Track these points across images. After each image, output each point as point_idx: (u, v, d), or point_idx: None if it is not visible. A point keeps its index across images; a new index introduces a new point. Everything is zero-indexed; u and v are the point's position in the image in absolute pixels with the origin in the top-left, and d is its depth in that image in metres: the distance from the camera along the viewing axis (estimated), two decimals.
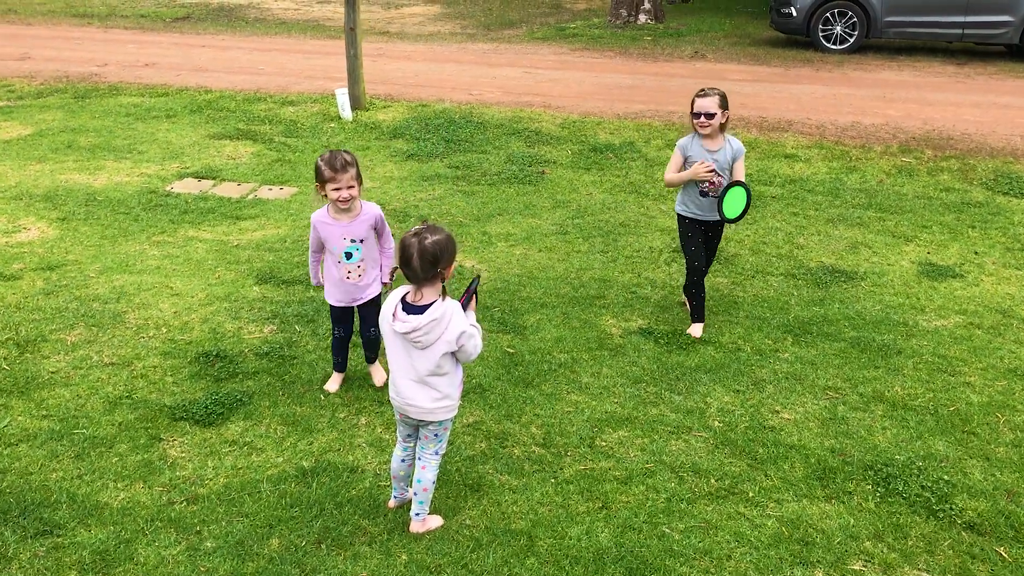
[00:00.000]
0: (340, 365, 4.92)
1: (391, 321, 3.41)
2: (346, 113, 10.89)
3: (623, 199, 8.41)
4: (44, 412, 4.43)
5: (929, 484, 4.12)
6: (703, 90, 5.46)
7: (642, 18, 18.70)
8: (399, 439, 3.73)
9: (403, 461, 3.74)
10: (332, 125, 10.74)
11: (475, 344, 3.45)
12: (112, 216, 7.61)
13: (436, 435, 3.63)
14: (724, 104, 5.42)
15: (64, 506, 3.70)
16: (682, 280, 6.44)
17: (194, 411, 4.50)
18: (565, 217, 7.85)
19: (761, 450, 4.40)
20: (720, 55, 15.50)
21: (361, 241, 4.55)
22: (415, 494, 3.64)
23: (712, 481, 4.14)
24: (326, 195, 4.39)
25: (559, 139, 10.31)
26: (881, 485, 4.12)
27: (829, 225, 7.74)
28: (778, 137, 10.30)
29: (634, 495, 4.00)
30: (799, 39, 16.28)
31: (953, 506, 3.98)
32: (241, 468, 4.06)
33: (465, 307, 3.52)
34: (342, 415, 4.58)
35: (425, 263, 3.32)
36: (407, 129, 10.56)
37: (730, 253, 7.07)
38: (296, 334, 5.49)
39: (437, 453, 3.66)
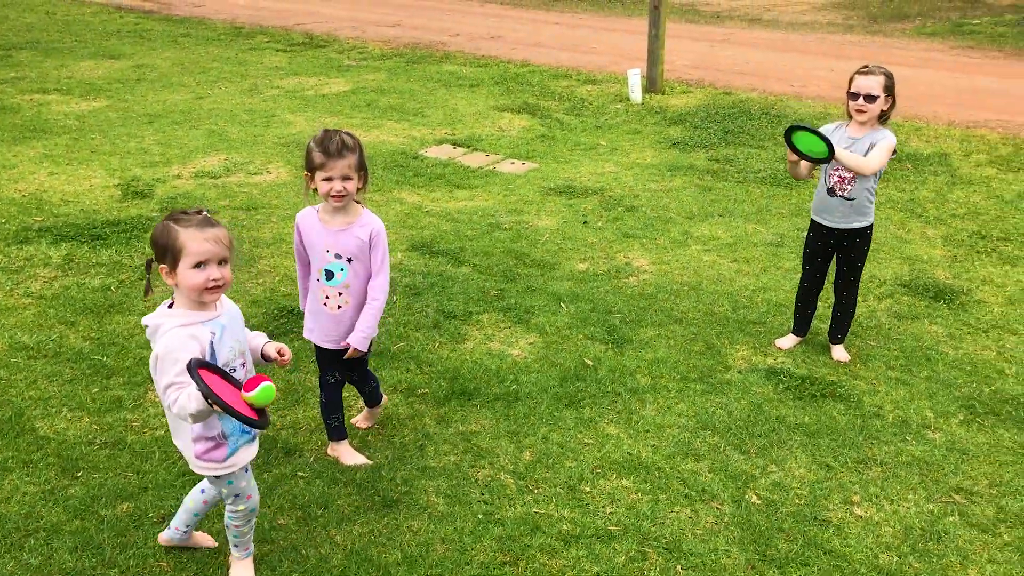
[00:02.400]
0: (339, 431, 3.72)
1: None
2: (635, 95, 10.37)
3: (886, 216, 7.01)
4: (95, 335, 4.65)
5: None
6: (867, 66, 4.39)
7: None
8: None
9: (202, 491, 3.09)
10: (618, 106, 10.29)
11: (176, 403, 2.54)
12: None
13: (223, 493, 2.92)
14: (890, 88, 4.33)
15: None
16: (882, 319, 5.23)
17: None
18: (795, 228, 6.73)
19: (783, 546, 3.33)
20: None
21: (349, 260, 3.41)
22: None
23: (677, 568, 3.21)
24: (316, 188, 3.33)
25: None
26: None
27: None
28: None
29: (561, 559, 3.22)
30: None
31: None
32: None
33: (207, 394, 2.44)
34: (344, 393, 4.25)
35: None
36: (692, 117, 9.79)
37: (975, 298, 5.56)
38: (390, 304, 5.24)
39: (228, 506, 2.93)
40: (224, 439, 2.78)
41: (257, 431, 2.85)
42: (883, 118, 4.45)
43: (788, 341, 4.95)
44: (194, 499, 3.07)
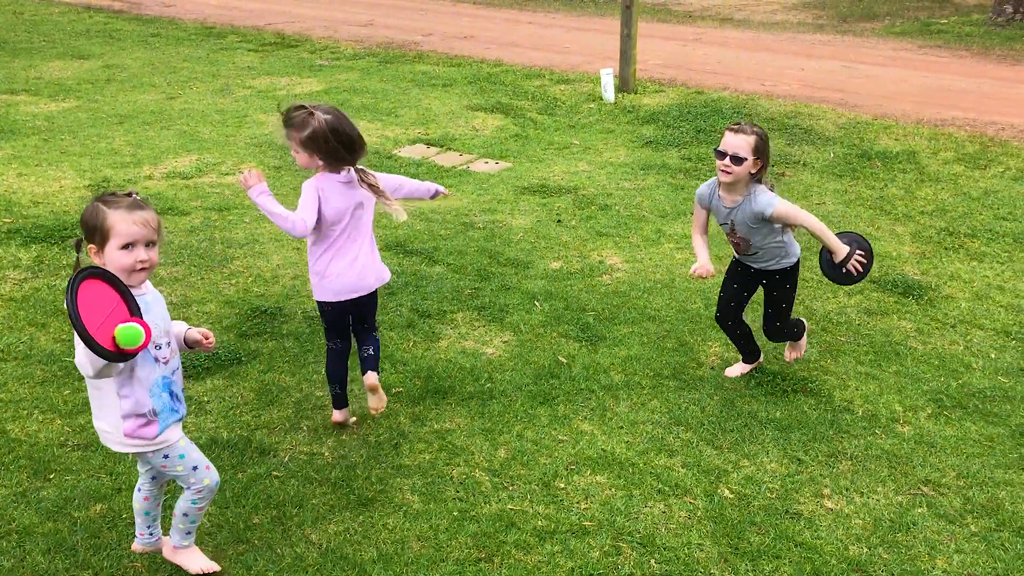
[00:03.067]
0: (340, 399, 3.91)
1: None
2: (608, 95, 10.41)
3: (856, 213, 7.10)
4: (66, 337, 4.62)
5: None
6: (738, 124, 4.07)
7: None
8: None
9: (139, 491, 3.05)
10: (591, 106, 10.33)
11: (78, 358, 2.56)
12: None
13: (165, 471, 2.89)
14: (761, 149, 4.00)
15: None
16: (852, 315, 5.30)
17: (186, 363, 4.43)
18: None
19: (754, 539, 3.37)
20: None
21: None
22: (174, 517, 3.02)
23: (651, 563, 3.24)
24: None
25: (828, 140, 9.00)
26: None
27: None
28: None
29: (535, 555, 3.24)
30: None
31: None
32: None
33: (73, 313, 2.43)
34: (320, 393, 4.26)
35: None
36: (664, 116, 9.84)
37: (943, 293, 5.64)
38: None
39: (189, 488, 2.90)
40: (155, 416, 2.77)
41: (183, 412, 2.87)
42: (759, 179, 4.14)
43: (736, 369, 4.62)
44: (136, 500, 3.05)
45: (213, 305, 5.11)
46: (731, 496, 3.63)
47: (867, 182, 7.88)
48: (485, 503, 3.52)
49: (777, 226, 4.16)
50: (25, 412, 3.93)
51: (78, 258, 2.71)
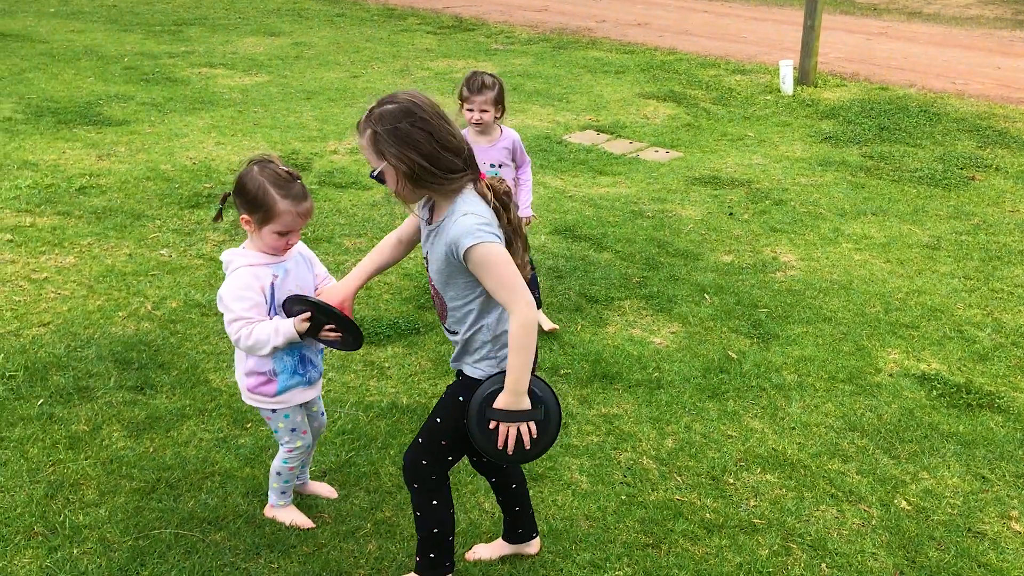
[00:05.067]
0: None
1: None
2: (786, 87, 10.15)
3: None
4: None
5: None
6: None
7: None
8: None
9: None
10: (767, 97, 10.09)
11: (226, 325, 2.79)
12: None
13: (268, 423, 3.09)
14: (391, 142, 2.41)
15: (176, 373, 4.11)
16: None
17: (368, 328, 4.64)
18: (953, 231, 6.49)
19: (933, 554, 3.26)
20: None
21: (499, 166, 4.45)
22: None
23: (822, 566, 3.18)
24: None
25: None
26: None
27: None
28: None
29: (703, 547, 3.24)
30: None
31: None
32: (348, 387, 4.11)
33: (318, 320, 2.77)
34: None
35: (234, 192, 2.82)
36: (846, 111, 9.52)
37: None
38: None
39: (283, 446, 3.08)
40: (275, 376, 2.91)
41: (310, 377, 3.00)
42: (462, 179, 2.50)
43: (484, 550, 3.15)
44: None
45: (393, 277, 5.32)
46: (908, 508, 3.51)
47: None
48: (652, 490, 3.54)
49: (481, 293, 2.52)
50: (224, 365, 4.22)
51: (220, 211, 2.88)
